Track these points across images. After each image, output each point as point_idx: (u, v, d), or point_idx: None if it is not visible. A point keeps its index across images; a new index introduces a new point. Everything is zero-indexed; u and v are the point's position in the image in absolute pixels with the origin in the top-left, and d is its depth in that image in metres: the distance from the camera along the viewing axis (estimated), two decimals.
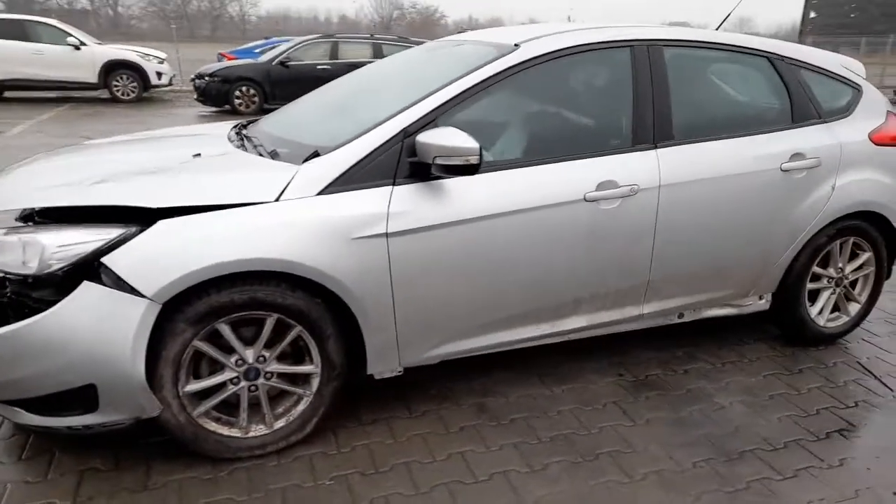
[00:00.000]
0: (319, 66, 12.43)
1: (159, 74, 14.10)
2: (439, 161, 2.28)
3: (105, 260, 2.04)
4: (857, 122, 3.20)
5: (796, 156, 2.99)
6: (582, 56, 2.73)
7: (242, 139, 2.83)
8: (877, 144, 3.20)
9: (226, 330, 2.21)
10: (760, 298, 3.21)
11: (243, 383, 2.31)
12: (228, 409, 2.35)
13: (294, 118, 3.08)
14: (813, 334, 3.32)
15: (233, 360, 2.27)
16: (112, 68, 13.52)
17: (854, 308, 3.42)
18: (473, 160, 2.27)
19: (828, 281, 3.30)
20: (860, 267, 3.36)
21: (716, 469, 2.39)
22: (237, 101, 12.28)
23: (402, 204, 2.33)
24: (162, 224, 2.10)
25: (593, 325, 2.83)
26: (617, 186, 2.62)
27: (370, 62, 12.84)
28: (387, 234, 2.30)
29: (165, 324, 2.11)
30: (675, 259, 2.84)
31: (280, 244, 2.17)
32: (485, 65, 2.56)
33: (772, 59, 3.08)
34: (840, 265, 3.29)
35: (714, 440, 2.56)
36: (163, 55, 14.70)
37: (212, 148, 2.67)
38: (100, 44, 14.04)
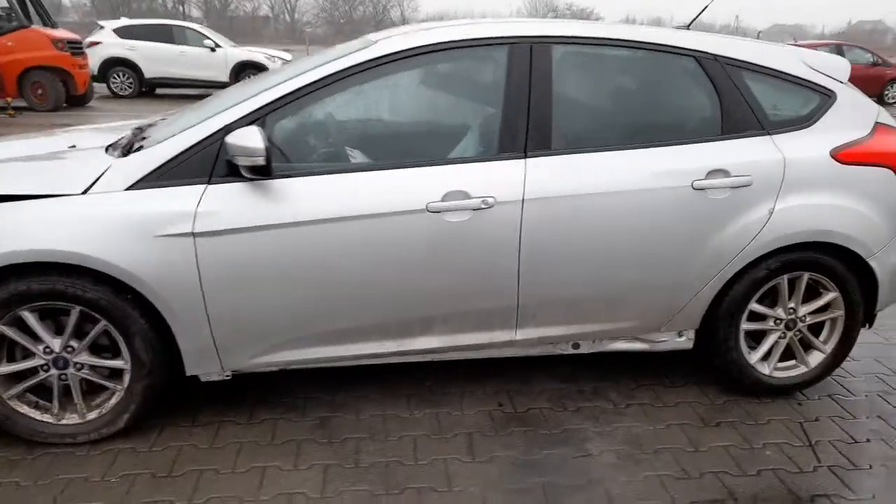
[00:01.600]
0: None
1: None
2: (237, 161, 2.18)
3: None
4: (819, 135, 2.65)
5: (716, 172, 2.54)
6: (447, 54, 2.49)
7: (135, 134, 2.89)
8: (843, 162, 2.64)
9: (30, 318, 2.27)
10: (679, 335, 2.77)
11: (53, 371, 2.35)
12: (49, 395, 2.42)
13: (183, 117, 3.08)
14: (753, 383, 2.81)
15: (40, 347, 2.32)
16: (242, 68, 14.62)
17: (816, 358, 2.85)
18: (260, 161, 2.15)
19: (775, 322, 2.78)
20: (824, 309, 2.79)
21: None
22: None
23: (215, 203, 2.26)
24: None
25: (452, 346, 2.58)
26: (467, 198, 2.37)
27: None
28: (193, 234, 2.25)
29: None
30: (549, 282, 2.52)
31: (75, 237, 2.19)
32: (330, 62, 2.42)
33: (701, 60, 2.62)
34: (791, 305, 2.76)
35: (549, 491, 2.24)
36: (287, 56, 15.65)
37: (94, 141, 2.76)
38: (234, 46, 15.23)
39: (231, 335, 2.39)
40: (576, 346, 2.74)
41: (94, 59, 13.40)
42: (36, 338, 2.32)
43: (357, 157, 2.44)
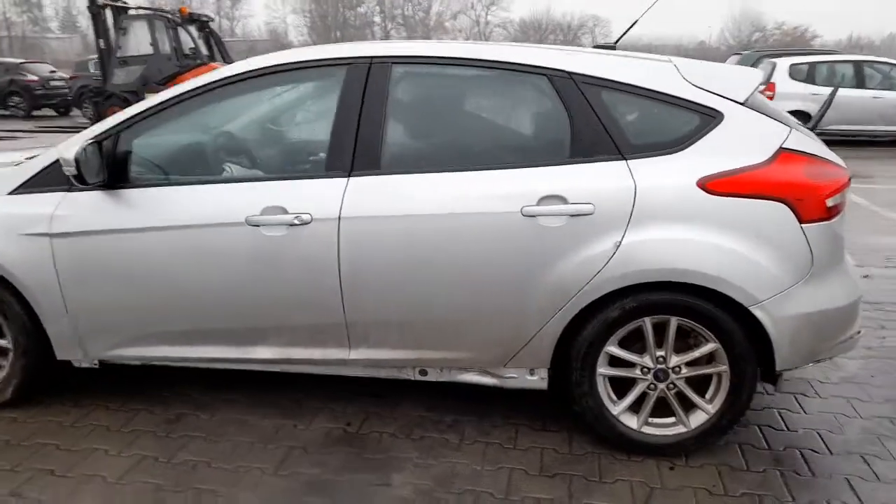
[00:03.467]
0: None
1: None
2: (64, 170, 2.45)
3: None
4: (690, 161, 2.32)
5: (550, 199, 2.33)
6: (292, 74, 2.58)
7: None
8: (713, 193, 2.28)
9: None
10: (531, 374, 2.55)
11: None
12: None
13: None
14: (616, 437, 2.50)
15: None
16: None
17: (698, 418, 2.46)
18: (72, 171, 2.39)
19: (642, 371, 2.45)
20: (707, 362, 2.42)
21: None
22: None
23: (69, 208, 2.56)
24: None
25: (287, 359, 2.63)
26: (284, 213, 2.43)
27: None
28: (50, 234, 2.56)
29: None
30: (375, 302, 2.48)
31: None
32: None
33: (552, 78, 2.42)
34: (661, 354, 2.42)
35: None
36: None
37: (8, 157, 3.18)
38: None
39: (87, 327, 2.67)
40: (423, 372, 2.64)
41: None
42: None
43: (189, 169, 2.61)
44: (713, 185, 2.28)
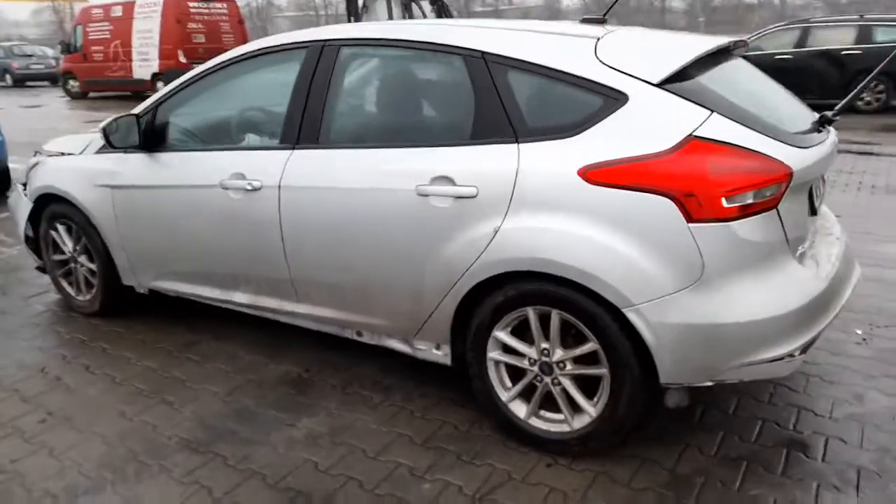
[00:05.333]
0: (778, 56, 11.15)
1: None
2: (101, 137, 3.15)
3: None
4: (581, 147, 2.17)
5: (440, 179, 2.37)
6: (267, 58, 2.93)
7: None
8: (593, 183, 2.11)
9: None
10: (437, 349, 2.61)
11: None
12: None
13: None
14: (506, 423, 2.48)
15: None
16: None
17: (582, 420, 2.32)
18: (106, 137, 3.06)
19: (529, 362, 2.38)
20: (593, 362, 2.27)
21: None
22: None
23: (122, 167, 3.28)
24: None
25: (257, 306, 3.06)
26: (243, 179, 2.83)
27: (850, 50, 10.67)
28: (110, 186, 3.32)
29: None
30: (309, 263, 2.77)
31: (60, 180, 3.48)
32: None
33: (466, 58, 2.40)
34: (545, 346, 2.33)
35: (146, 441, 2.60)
36: None
37: None
38: None
39: (135, 260, 3.39)
40: (359, 334, 2.87)
41: None
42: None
43: (198, 138, 3.13)
44: (594, 175, 2.12)
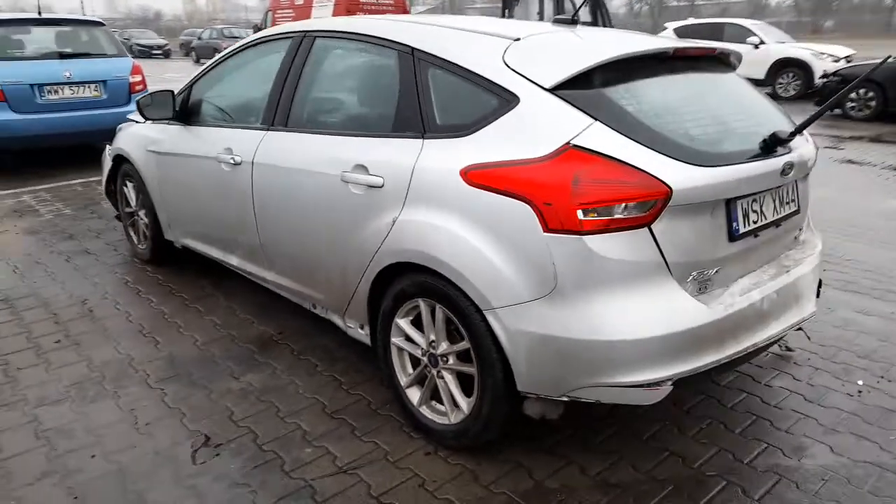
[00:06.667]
0: None
1: (826, 73, 13.49)
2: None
3: None
4: (471, 147, 2.18)
5: (358, 168, 2.49)
6: (273, 44, 3.19)
7: None
8: (471, 183, 2.13)
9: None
10: (362, 328, 2.74)
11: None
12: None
13: None
14: (404, 409, 2.56)
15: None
16: (782, 66, 13.82)
17: (459, 415, 2.35)
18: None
19: (421, 353, 2.44)
20: (468, 359, 2.28)
21: None
22: (849, 105, 10.92)
23: (163, 135, 3.76)
24: None
25: (244, 270, 3.38)
26: (231, 153, 3.15)
27: None
28: (155, 152, 3.82)
29: None
30: (271, 234, 3.03)
31: (127, 144, 4.06)
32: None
33: (400, 53, 2.48)
34: (433, 338, 2.37)
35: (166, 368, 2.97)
36: (846, 52, 13.82)
37: None
38: (782, 42, 14.41)
39: (170, 218, 3.88)
40: (314, 306, 3.08)
41: None
42: None
43: (209, 115, 3.49)
44: (472, 176, 2.14)
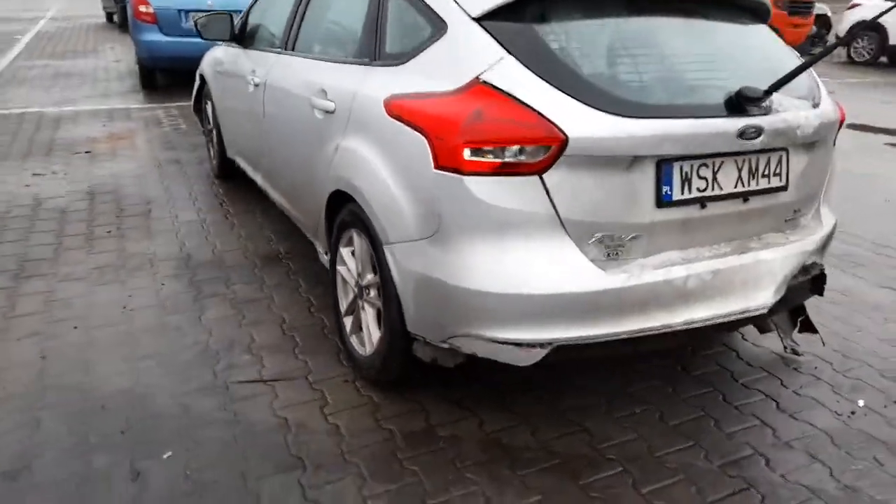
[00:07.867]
0: None
1: None
2: None
3: None
4: (402, 76, 2.13)
5: (321, 92, 2.53)
6: None
7: None
8: (389, 114, 2.07)
9: None
10: (326, 253, 2.80)
11: None
12: None
13: None
14: (343, 341, 2.60)
15: None
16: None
17: (370, 348, 2.35)
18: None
19: (354, 283, 2.45)
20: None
21: None
22: None
23: (225, 56, 4.04)
24: None
25: (264, 189, 3.58)
26: (254, 74, 3.32)
27: None
28: (219, 72, 4.12)
29: None
30: (274, 154, 3.19)
31: (205, 64, 4.41)
32: None
33: None
34: (359, 268, 2.38)
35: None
36: None
37: None
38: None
39: (227, 135, 4.18)
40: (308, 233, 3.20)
41: (844, 22, 13.24)
42: None
43: (259, 40, 3.66)
44: (391, 107, 2.09)
